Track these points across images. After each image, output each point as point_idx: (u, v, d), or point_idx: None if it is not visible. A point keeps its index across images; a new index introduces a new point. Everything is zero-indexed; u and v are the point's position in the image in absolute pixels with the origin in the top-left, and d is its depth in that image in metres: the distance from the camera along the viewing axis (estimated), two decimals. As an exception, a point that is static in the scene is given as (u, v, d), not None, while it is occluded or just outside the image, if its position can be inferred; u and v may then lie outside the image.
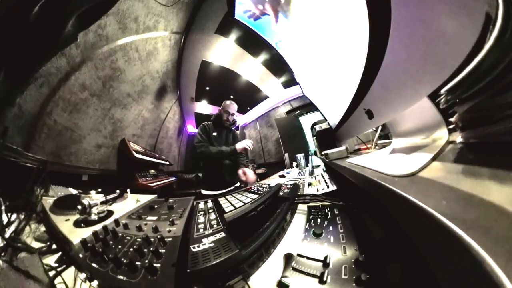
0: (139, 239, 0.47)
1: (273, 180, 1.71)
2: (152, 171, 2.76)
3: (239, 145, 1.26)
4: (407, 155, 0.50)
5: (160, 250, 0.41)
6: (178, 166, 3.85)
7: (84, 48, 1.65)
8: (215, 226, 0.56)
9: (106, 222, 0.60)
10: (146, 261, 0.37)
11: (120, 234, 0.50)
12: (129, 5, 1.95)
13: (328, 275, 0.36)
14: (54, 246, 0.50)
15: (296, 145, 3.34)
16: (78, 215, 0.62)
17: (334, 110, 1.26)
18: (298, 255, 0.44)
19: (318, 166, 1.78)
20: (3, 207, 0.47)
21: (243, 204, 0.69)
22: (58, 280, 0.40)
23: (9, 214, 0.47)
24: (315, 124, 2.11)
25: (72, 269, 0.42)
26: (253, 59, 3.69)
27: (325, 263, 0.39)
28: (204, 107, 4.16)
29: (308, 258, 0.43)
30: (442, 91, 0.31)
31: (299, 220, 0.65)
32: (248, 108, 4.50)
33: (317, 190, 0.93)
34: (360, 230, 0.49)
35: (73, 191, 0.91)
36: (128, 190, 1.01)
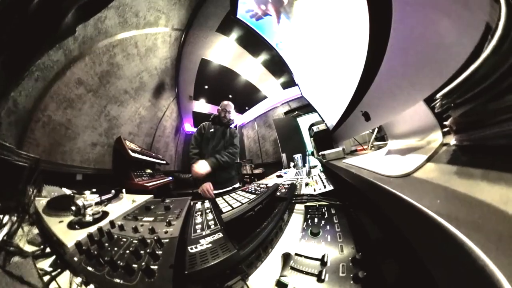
0: (135, 241, 0.46)
1: (271, 180, 1.72)
2: (149, 171, 2.72)
3: (201, 188, 1.38)
4: (402, 156, 0.52)
5: (157, 252, 0.41)
6: (175, 166, 3.81)
7: (82, 41, 1.60)
8: (212, 226, 0.56)
9: (101, 224, 0.59)
10: (143, 264, 0.36)
11: (115, 236, 0.49)
12: (131, -2, 1.92)
13: (326, 273, 0.37)
14: (48, 250, 0.48)
15: (294, 146, 3.36)
16: (72, 216, 0.61)
17: (331, 112, 1.28)
18: (296, 254, 0.45)
19: (315, 166, 1.80)
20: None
21: (240, 204, 0.69)
22: (53, 285, 0.39)
23: (1, 216, 0.45)
24: (312, 125, 2.13)
25: (67, 273, 0.41)
26: (253, 59, 3.69)
27: (322, 261, 0.40)
28: (202, 106, 4.13)
29: (306, 257, 0.43)
30: (438, 95, 0.33)
31: (296, 219, 0.65)
32: (247, 108, 4.50)
33: (314, 190, 0.94)
34: (356, 229, 0.50)
35: (67, 191, 0.88)
36: (124, 190, 0.99)
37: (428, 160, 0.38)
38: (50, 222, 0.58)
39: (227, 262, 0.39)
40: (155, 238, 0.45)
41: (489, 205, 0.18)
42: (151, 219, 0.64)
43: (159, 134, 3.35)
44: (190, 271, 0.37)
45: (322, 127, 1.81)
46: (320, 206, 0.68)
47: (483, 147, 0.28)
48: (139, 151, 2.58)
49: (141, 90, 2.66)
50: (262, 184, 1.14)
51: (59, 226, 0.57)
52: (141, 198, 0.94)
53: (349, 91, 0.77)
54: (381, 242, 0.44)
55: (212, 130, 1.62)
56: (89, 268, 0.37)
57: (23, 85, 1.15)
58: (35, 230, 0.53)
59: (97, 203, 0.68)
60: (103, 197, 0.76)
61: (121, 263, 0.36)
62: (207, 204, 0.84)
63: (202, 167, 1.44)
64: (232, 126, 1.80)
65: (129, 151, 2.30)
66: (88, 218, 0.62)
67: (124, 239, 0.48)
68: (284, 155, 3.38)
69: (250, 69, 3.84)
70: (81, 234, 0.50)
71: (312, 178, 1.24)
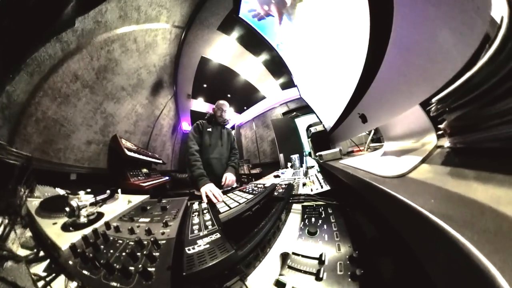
0: (131, 243, 0.45)
1: (268, 180, 1.72)
2: (145, 170, 2.68)
3: (203, 189, 1.23)
4: (397, 157, 0.53)
5: (154, 254, 0.40)
6: (171, 165, 3.77)
7: (80, 34, 1.55)
8: (210, 227, 0.55)
9: (96, 225, 0.58)
10: (140, 266, 0.35)
11: (111, 238, 0.48)
12: (133, -9, 1.87)
13: (324, 272, 0.37)
14: (41, 253, 0.47)
15: (291, 146, 3.38)
16: (66, 218, 0.59)
17: (329, 113, 1.29)
18: (294, 253, 0.45)
19: (313, 167, 1.82)
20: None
21: (238, 204, 0.69)
22: (48, 290, 0.38)
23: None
24: (310, 126, 2.15)
25: (62, 277, 0.40)
26: (253, 59, 3.69)
27: (320, 260, 0.40)
28: (200, 105, 4.10)
29: (303, 256, 0.44)
30: (434, 100, 0.34)
31: (294, 219, 0.66)
32: (245, 107, 4.50)
33: (311, 190, 0.95)
34: (353, 228, 0.51)
35: (61, 192, 0.86)
36: (119, 190, 0.97)
37: (423, 161, 0.39)
38: (43, 224, 0.56)
39: (225, 262, 0.39)
40: (152, 239, 0.44)
41: (481, 204, 0.19)
42: (147, 220, 0.63)
43: (156, 133, 3.31)
44: (188, 272, 0.36)
45: (319, 128, 1.83)
46: (317, 206, 0.69)
47: (475, 150, 0.29)
48: (135, 150, 2.54)
49: (138, 87, 2.62)
50: (260, 184, 1.14)
51: (52, 228, 0.55)
52: (137, 199, 0.93)
53: (347, 94, 0.78)
54: (377, 240, 0.45)
55: (209, 129, 1.61)
56: (85, 272, 0.36)
57: (19, 78, 1.11)
58: (28, 233, 0.51)
59: (92, 204, 0.66)
60: (98, 198, 0.74)
61: (117, 266, 0.35)
62: (204, 204, 0.84)
63: (231, 178, 1.45)
64: (228, 126, 1.79)
65: (125, 150, 2.25)
66: (83, 220, 0.60)
67: (120, 241, 0.47)
68: (281, 156, 3.39)
69: (249, 68, 3.84)
70: (75, 236, 0.49)
71: (309, 179, 1.25)
